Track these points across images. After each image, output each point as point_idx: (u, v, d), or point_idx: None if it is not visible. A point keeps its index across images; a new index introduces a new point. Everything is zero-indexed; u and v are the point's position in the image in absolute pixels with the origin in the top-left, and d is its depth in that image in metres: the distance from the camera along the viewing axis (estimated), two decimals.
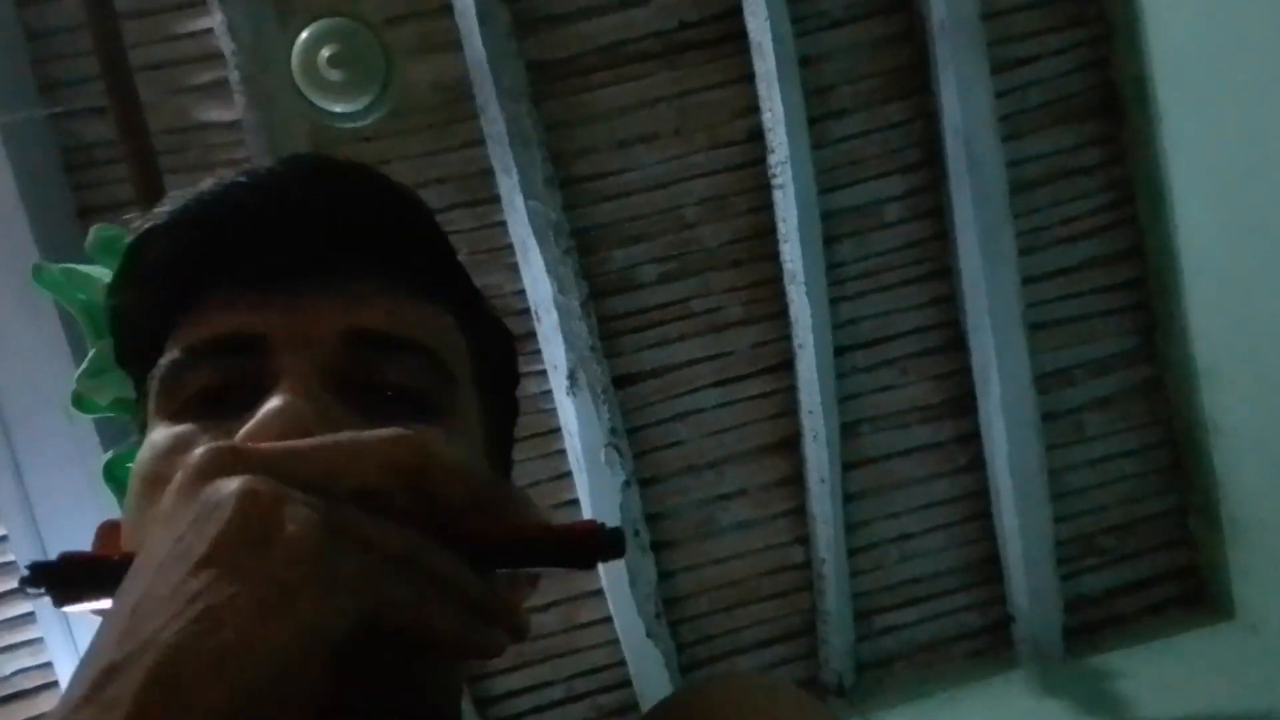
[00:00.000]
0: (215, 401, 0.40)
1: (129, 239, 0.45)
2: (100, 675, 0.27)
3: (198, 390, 0.41)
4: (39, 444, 2.15)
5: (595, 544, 0.34)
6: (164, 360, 0.42)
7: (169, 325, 0.44)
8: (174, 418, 0.41)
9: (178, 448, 0.39)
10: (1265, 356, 2.17)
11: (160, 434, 0.40)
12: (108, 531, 0.43)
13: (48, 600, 0.34)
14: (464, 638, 0.31)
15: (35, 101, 2.17)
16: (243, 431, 0.36)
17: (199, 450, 0.32)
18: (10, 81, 2.14)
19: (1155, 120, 2.30)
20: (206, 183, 0.44)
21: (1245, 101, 2.05)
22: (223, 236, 0.42)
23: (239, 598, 0.27)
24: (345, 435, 0.33)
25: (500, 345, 0.52)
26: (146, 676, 0.26)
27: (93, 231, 1.29)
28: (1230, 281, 2.24)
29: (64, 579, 0.34)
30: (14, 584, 2.25)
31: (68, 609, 0.35)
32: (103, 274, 1.28)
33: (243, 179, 0.43)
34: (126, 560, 0.32)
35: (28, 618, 2.26)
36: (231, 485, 0.30)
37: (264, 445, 0.32)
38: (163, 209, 0.44)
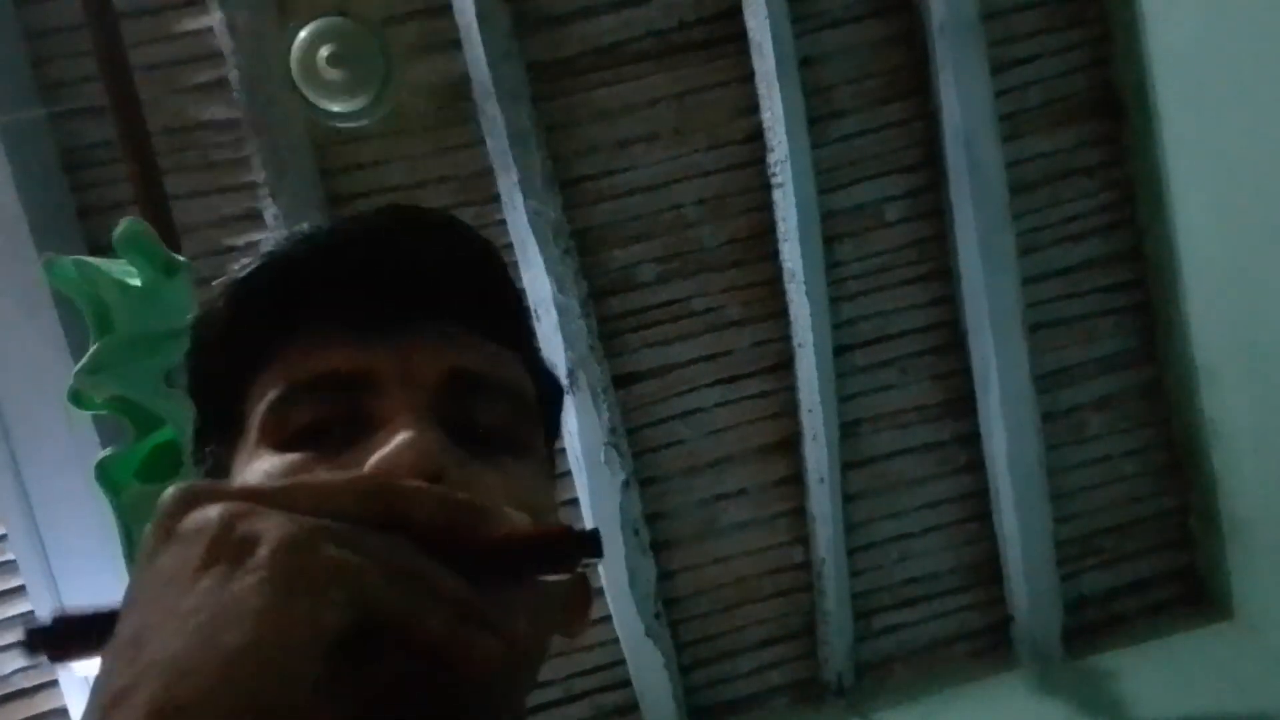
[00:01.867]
0: (321, 435, 0.42)
1: (235, 274, 0.47)
2: (110, 700, 0.27)
3: (304, 424, 0.43)
4: (39, 444, 2.15)
5: (571, 547, 0.34)
6: (272, 394, 0.44)
7: (261, 361, 0.45)
8: (280, 448, 0.43)
9: (290, 475, 0.41)
10: (1265, 357, 2.17)
11: (270, 462, 0.42)
12: None
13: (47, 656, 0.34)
14: (456, 642, 0.31)
15: (35, 101, 2.17)
16: (375, 459, 0.38)
17: (167, 492, 0.32)
18: (10, 81, 2.14)
19: (1155, 120, 2.30)
20: (303, 226, 0.47)
21: (1245, 101, 2.05)
22: (329, 276, 0.45)
23: (234, 605, 0.28)
24: (309, 476, 0.34)
25: (555, 395, 0.54)
26: (157, 693, 0.27)
27: (124, 223, 1.27)
28: (1230, 282, 2.24)
29: (60, 639, 0.34)
30: (13, 584, 2.25)
31: (69, 665, 0.35)
32: (113, 267, 1.27)
33: (343, 224, 0.47)
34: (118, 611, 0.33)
35: (27, 616, 2.26)
36: (210, 510, 0.30)
37: (231, 485, 0.33)
38: (266, 249, 0.47)
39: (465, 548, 0.33)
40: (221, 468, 0.46)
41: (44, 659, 0.34)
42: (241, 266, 0.47)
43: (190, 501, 0.31)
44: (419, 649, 0.31)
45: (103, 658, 0.30)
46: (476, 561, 0.33)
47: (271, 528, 0.30)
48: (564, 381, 2.26)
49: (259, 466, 0.42)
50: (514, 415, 0.46)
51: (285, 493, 0.32)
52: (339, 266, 0.45)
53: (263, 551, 0.29)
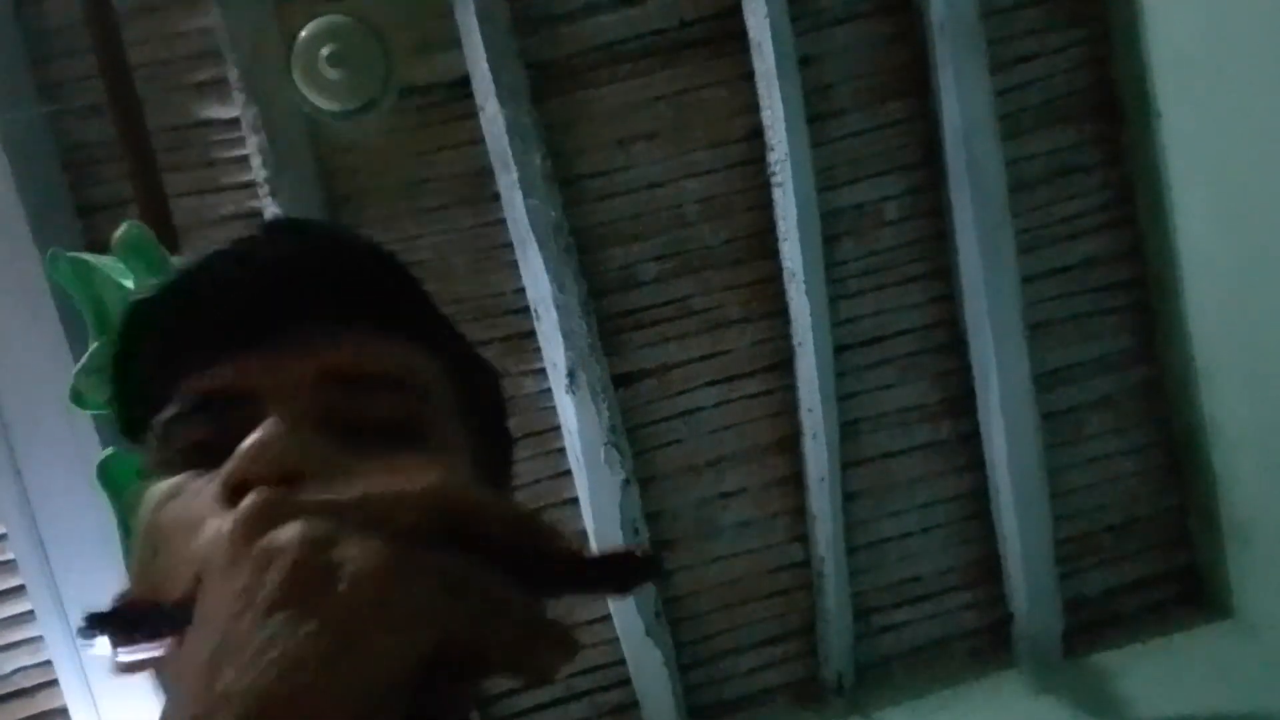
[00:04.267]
0: (208, 454, 0.42)
1: (131, 304, 0.50)
2: None
3: (191, 445, 0.44)
4: (39, 444, 2.15)
5: (633, 570, 0.35)
6: (158, 419, 0.46)
7: (165, 393, 0.47)
8: (168, 469, 0.44)
9: (170, 498, 0.42)
10: (1265, 356, 2.17)
11: (157, 488, 0.43)
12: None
13: (101, 643, 0.35)
14: (524, 662, 0.32)
15: (34, 100, 2.17)
16: (228, 465, 0.38)
17: (247, 500, 0.32)
18: (9, 80, 2.14)
19: (1155, 120, 2.30)
20: (192, 256, 0.49)
21: (1245, 101, 2.05)
22: (203, 305, 0.47)
23: (314, 639, 0.28)
24: (381, 482, 0.34)
25: (483, 378, 0.54)
26: None
27: (125, 226, 1.28)
28: (1230, 281, 2.24)
29: (121, 625, 0.35)
30: (14, 582, 2.25)
31: (124, 658, 0.35)
32: (114, 267, 1.27)
33: (220, 250, 0.48)
34: (179, 605, 0.33)
35: (27, 616, 2.26)
36: (290, 530, 0.30)
37: (310, 494, 0.33)
38: (152, 286, 0.49)
39: (533, 563, 0.34)
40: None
41: (102, 643, 0.34)
42: (138, 298, 0.49)
43: (270, 512, 0.31)
44: (489, 667, 0.32)
45: (177, 673, 0.30)
46: (536, 576, 0.34)
47: (352, 558, 0.30)
48: (565, 381, 2.27)
49: (149, 491, 0.43)
50: (404, 405, 0.46)
51: (361, 505, 0.32)
52: (212, 293, 0.47)
53: (342, 587, 0.29)
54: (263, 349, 0.45)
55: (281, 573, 0.29)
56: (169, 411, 0.45)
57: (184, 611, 0.32)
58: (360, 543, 0.30)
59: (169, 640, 0.33)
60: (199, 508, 0.40)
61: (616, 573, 0.35)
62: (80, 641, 0.34)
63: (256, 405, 0.43)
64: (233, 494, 0.36)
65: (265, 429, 0.39)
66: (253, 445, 0.38)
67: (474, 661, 0.31)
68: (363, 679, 0.28)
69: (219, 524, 0.32)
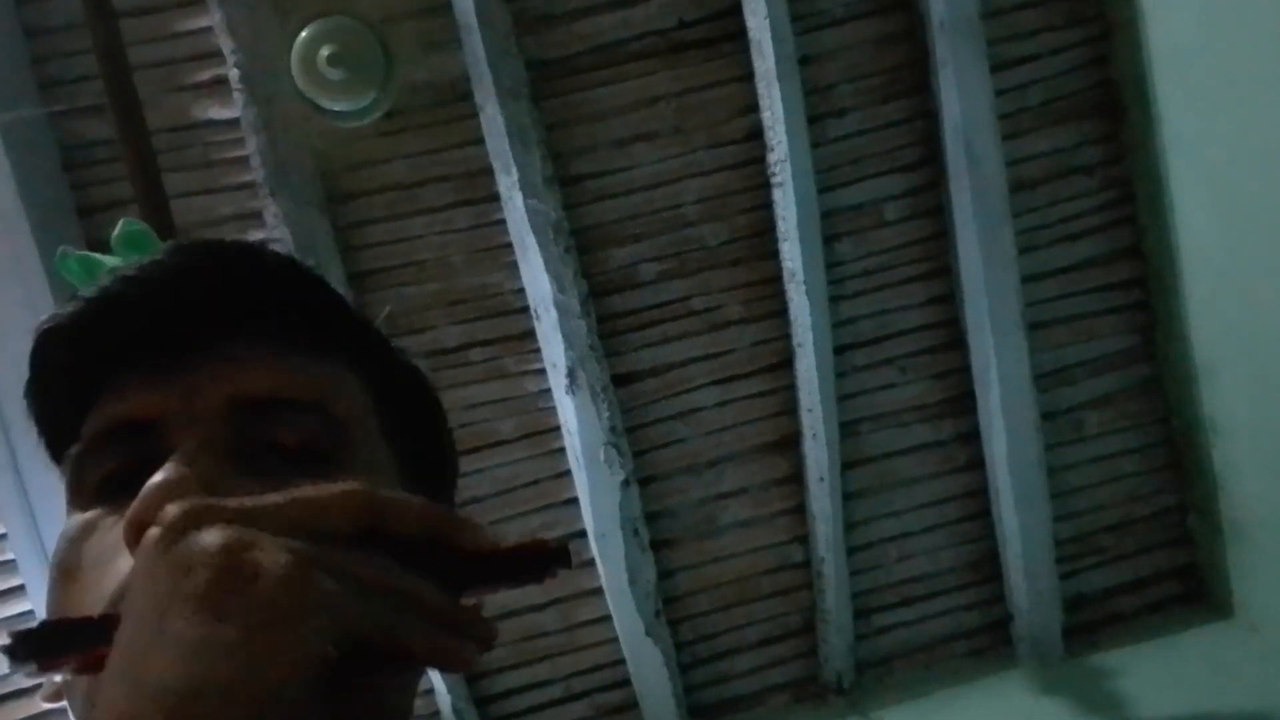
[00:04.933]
0: (119, 486, 0.42)
1: (37, 329, 0.47)
2: None
3: (102, 478, 0.44)
4: (39, 443, 2.15)
5: (545, 559, 0.37)
6: (69, 454, 0.45)
7: (79, 422, 0.46)
8: (82, 507, 0.43)
9: (84, 534, 0.42)
10: (1265, 355, 2.17)
11: (70, 523, 0.43)
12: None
13: (33, 667, 0.35)
14: (437, 651, 0.33)
15: (34, 99, 2.17)
16: (132, 507, 0.38)
17: (172, 507, 0.33)
18: (9, 79, 2.14)
19: (1155, 119, 2.30)
20: (100, 280, 0.46)
21: (1245, 101, 2.05)
22: (111, 330, 0.45)
23: (231, 636, 0.29)
24: (300, 490, 0.35)
25: (413, 392, 0.53)
26: None
27: (121, 224, 1.29)
28: (1229, 280, 2.24)
29: (47, 644, 0.35)
30: (14, 582, 2.25)
31: (53, 675, 0.35)
32: (118, 264, 1.28)
33: (128, 273, 0.46)
34: (105, 620, 0.34)
35: (27, 616, 2.26)
36: (212, 535, 0.31)
37: (230, 501, 0.34)
38: (56, 312, 0.47)
39: (446, 559, 0.35)
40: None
41: (29, 668, 0.34)
42: (42, 322, 0.47)
43: (192, 520, 0.32)
44: (404, 658, 0.33)
45: (106, 676, 0.31)
46: (456, 571, 0.35)
47: (266, 560, 0.31)
48: (565, 381, 2.27)
49: (63, 528, 0.43)
50: (319, 430, 0.45)
51: (280, 511, 0.33)
52: (119, 317, 0.45)
53: (256, 587, 0.30)
54: (173, 373, 0.44)
55: (203, 575, 0.30)
56: (76, 447, 0.45)
57: (107, 625, 0.33)
58: (275, 544, 0.31)
59: (92, 655, 0.34)
60: (109, 546, 0.40)
61: (531, 563, 0.37)
62: (9, 664, 0.34)
63: (165, 435, 0.42)
64: (137, 535, 0.36)
65: (169, 468, 0.39)
66: (155, 486, 0.38)
67: (388, 655, 0.32)
68: (274, 672, 0.29)
69: (128, 562, 0.33)
